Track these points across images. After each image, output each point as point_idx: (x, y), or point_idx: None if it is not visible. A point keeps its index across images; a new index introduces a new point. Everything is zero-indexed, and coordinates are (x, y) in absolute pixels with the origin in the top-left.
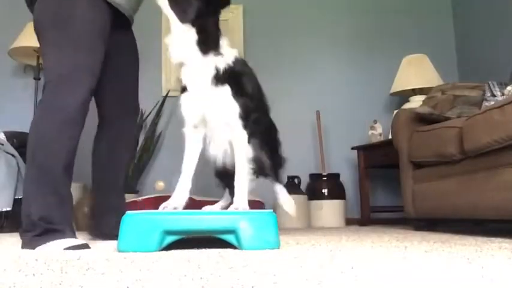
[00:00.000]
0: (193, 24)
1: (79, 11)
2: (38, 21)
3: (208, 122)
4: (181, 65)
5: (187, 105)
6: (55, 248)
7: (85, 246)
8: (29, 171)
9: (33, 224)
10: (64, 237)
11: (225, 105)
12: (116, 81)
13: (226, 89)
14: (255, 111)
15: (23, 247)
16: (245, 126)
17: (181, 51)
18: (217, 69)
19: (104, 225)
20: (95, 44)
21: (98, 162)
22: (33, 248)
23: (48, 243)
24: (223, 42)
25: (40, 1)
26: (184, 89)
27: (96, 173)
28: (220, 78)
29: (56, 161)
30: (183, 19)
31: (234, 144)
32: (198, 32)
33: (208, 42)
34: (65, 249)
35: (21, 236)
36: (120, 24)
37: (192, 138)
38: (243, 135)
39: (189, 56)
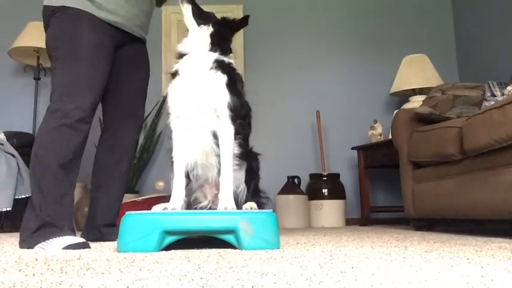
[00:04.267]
0: (212, 25)
1: (82, 32)
2: (48, 42)
3: (195, 109)
4: (182, 55)
5: (177, 89)
6: (54, 246)
7: (84, 244)
8: (32, 168)
9: (34, 216)
10: (63, 235)
11: (217, 90)
12: (120, 93)
13: (222, 76)
14: (242, 119)
15: (21, 245)
16: (233, 120)
17: (192, 45)
18: (219, 60)
19: (94, 229)
20: (97, 60)
21: (97, 164)
22: (33, 247)
23: (47, 241)
24: (231, 56)
25: (51, 26)
26: (174, 75)
27: (94, 173)
28: (220, 67)
29: (54, 158)
30: (200, 24)
31: (220, 136)
32: (214, 31)
33: (219, 41)
34: (64, 248)
35: (20, 234)
36: (131, 40)
37: (179, 131)
38: (231, 127)
39: (198, 48)
